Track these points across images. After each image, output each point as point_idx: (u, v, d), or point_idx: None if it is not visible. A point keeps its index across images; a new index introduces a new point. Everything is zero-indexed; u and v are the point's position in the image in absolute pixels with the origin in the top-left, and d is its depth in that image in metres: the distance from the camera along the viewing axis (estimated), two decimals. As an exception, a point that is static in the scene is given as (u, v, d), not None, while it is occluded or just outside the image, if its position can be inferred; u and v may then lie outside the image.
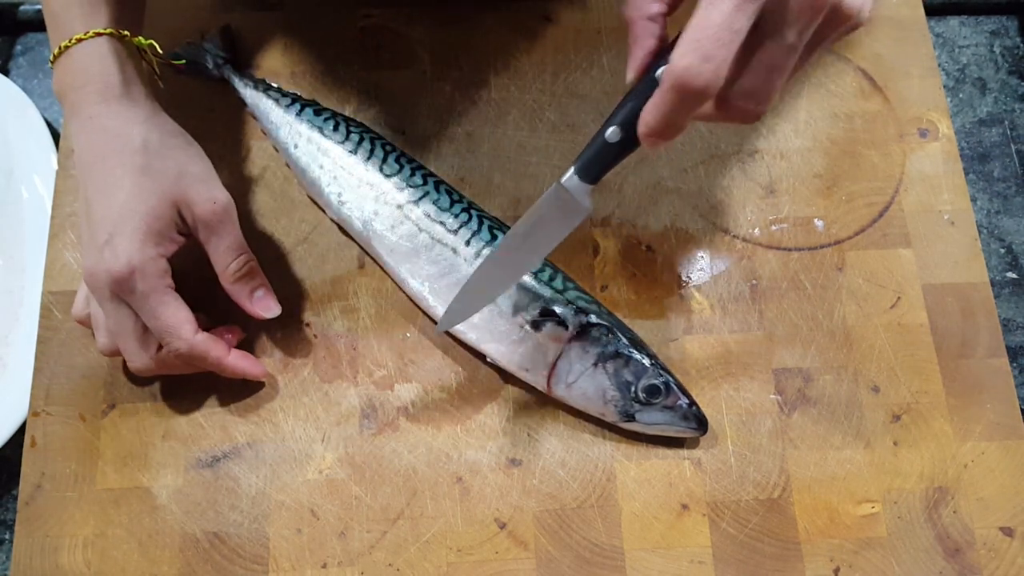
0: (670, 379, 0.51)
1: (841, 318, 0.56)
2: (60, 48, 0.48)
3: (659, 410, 0.51)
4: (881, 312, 0.56)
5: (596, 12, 0.64)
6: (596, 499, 0.52)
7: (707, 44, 0.34)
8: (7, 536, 0.55)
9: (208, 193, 0.50)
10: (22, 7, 0.67)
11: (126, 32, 0.50)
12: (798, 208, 0.59)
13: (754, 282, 0.57)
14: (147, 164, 0.48)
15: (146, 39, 0.52)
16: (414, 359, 0.55)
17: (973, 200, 0.62)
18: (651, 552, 0.51)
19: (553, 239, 0.46)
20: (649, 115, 0.38)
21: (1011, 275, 0.61)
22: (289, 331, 0.55)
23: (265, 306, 0.52)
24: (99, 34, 0.48)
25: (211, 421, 0.53)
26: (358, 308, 0.56)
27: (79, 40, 0.48)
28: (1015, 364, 0.59)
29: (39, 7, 0.67)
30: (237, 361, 0.51)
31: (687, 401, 0.51)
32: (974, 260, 0.57)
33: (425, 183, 0.55)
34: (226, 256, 0.51)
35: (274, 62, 0.62)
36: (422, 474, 0.52)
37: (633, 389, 0.50)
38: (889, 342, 0.55)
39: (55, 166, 0.60)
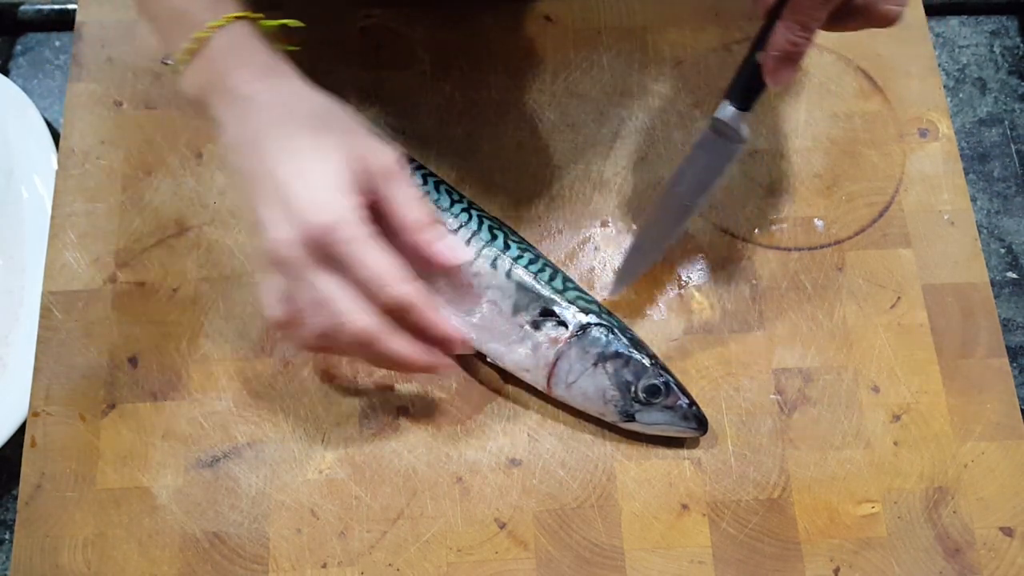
0: (670, 379, 0.51)
1: (841, 318, 0.56)
2: (195, 40, 0.47)
3: (659, 410, 0.51)
4: (881, 312, 0.56)
5: (596, 12, 0.64)
6: (596, 499, 0.52)
7: None
8: (7, 536, 0.55)
9: (380, 146, 0.48)
10: (22, 7, 0.68)
11: (259, 15, 0.49)
12: (798, 208, 0.59)
13: (754, 282, 0.57)
14: (321, 125, 0.46)
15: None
16: (414, 359, 0.55)
17: (973, 200, 0.62)
18: (651, 552, 0.51)
19: (714, 175, 0.49)
20: (779, 28, 0.43)
21: (1011, 275, 0.61)
22: (289, 331, 0.55)
23: (452, 251, 0.47)
24: (237, 18, 0.47)
25: (211, 421, 0.53)
26: (358, 308, 0.56)
27: (216, 27, 0.47)
28: (1015, 364, 0.59)
29: (39, 7, 0.67)
30: (445, 325, 0.46)
31: (687, 401, 0.51)
32: (974, 260, 0.57)
33: (425, 183, 0.55)
34: (409, 204, 0.47)
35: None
36: (422, 474, 0.52)
37: (633, 389, 0.50)
38: (889, 342, 0.55)
39: (55, 166, 0.60)
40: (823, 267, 0.57)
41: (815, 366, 0.55)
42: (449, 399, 0.54)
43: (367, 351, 0.44)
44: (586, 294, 0.53)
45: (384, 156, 0.47)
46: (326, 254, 0.43)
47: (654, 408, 0.51)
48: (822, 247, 0.58)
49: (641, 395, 0.50)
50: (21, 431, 0.54)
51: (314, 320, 0.44)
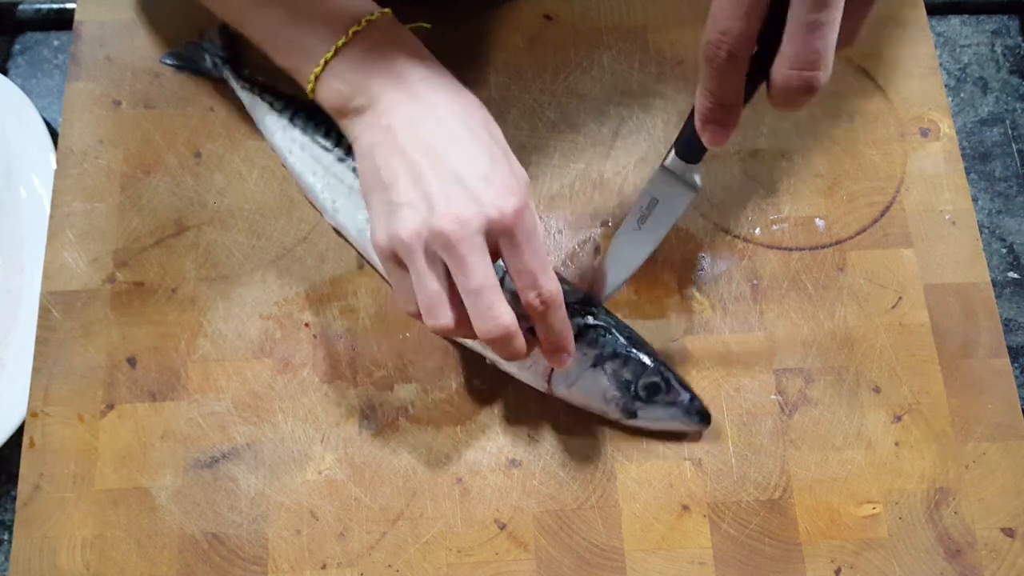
0: (670, 375, 0.51)
1: (842, 318, 0.56)
2: (349, 35, 0.46)
3: (661, 407, 0.51)
4: (882, 312, 0.56)
5: (596, 12, 0.64)
6: (596, 500, 0.52)
7: (721, 18, 0.36)
8: (6, 537, 0.55)
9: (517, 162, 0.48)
10: (21, 7, 0.67)
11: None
12: (799, 208, 0.58)
13: (755, 282, 0.57)
14: (489, 131, 0.46)
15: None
16: (414, 359, 0.55)
17: (974, 200, 0.62)
18: (651, 553, 0.51)
19: (670, 219, 0.48)
20: (697, 100, 0.40)
21: (1012, 275, 0.61)
22: (288, 331, 0.55)
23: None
24: (384, 13, 0.47)
25: (210, 421, 0.53)
26: (358, 308, 0.56)
27: (369, 22, 0.47)
28: (1016, 364, 0.59)
29: (38, 6, 0.67)
30: (570, 338, 0.46)
31: (688, 396, 0.51)
32: (975, 260, 0.57)
33: None
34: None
35: (274, 62, 0.62)
36: (422, 474, 0.52)
37: (633, 388, 0.50)
38: (890, 342, 0.55)
39: (54, 166, 0.59)
40: (824, 267, 0.57)
41: (816, 366, 0.55)
42: (449, 399, 0.54)
43: (490, 339, 0.43)
44: (579, 292, 0.53)
45: (523, 172, 0.46)
46: (502, 238, 0.43)
47: (656, 405, 0.50)
48: (823, 247, 0.57)
49: (642, 393, 0.50)
50: (20, 432, 0.53)
51: (448, 313, 0.43)
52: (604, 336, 0.51)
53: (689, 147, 0.46)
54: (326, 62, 0.47)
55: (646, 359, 0.51)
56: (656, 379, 0.50)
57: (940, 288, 0.56)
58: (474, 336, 0.44)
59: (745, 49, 0.37)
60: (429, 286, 0.43)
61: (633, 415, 0.51)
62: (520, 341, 0.44)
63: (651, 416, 0.51)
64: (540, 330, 0.45)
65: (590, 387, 0.50)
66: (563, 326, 0.45)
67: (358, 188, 0.54)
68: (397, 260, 0.44)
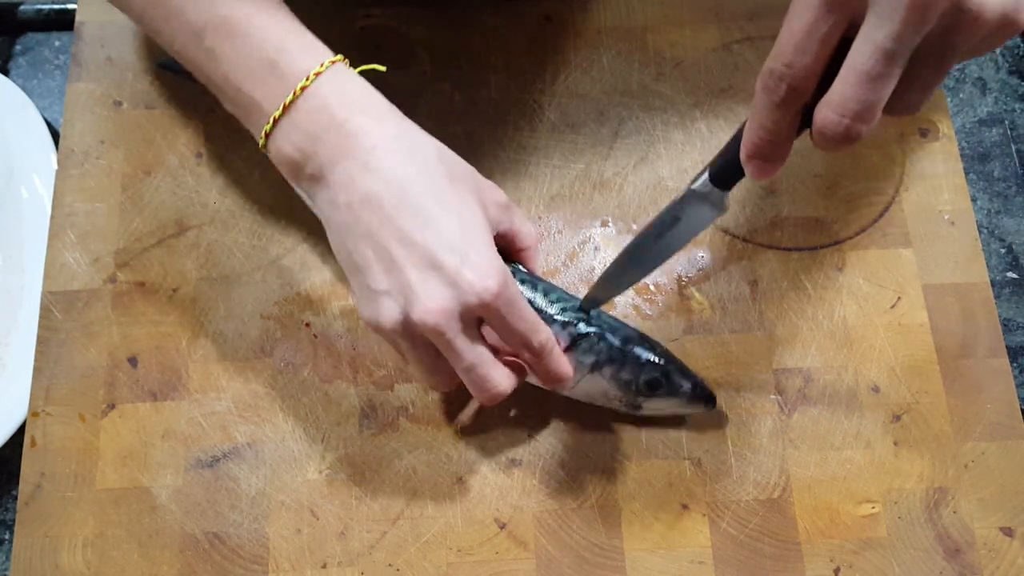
0: (671, 367, 0.51)
1: (841, 318, 0.56)
2: (296, 93, 0.43)
3: (663, 398, 0.51)
4: (881, 312, 0.56)
5: (596, 12, 0.64)
6: (596, 499, 0.52)
7: (788, 50, 0.34)
8: (7, 536, 0.55)
9: (488, 181, 0.48)
10: (22, 7, 0.67)
11: (347, 60, 0.46)
12: (798, 208, 0.59)
13: (754, 282, 0.57)
14: (451, 172, 0.44)
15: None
16: (414, 359, 0.55)
17: (973, 200, 0.62)
18: (651, 552, 0.51)
19: (687, 236, 0.46)
20: (747, 131, 0.38)
21: (1011, 275, 0.61)
22: (289, 331, 0.55)
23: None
24: (334, 63, 0.44)
25: (211, 421, 0.53)
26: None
27: (317, 74, 0.43)
28: (1015, 364, 0.59)
29: (39, 7, 0.67)
30: (567, 367, 0.48)
31: (689, 385, 0.51)
32: (974, 260, 0.57)
33: None
34: (527, 223, 0.50)
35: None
36: (422, 474, 0.52)
37: (634, 386, 0.50)
38: (889, 342, 0.55)
39: (55, 166, 0.60)
40: (823, 267, 0.57)
41: (815, 366, 0.55)
42: (449, 399, 0.54)
43: (487, 394, 0.45)
44: (572, 299, 0.51)
45: (498, 192, 0.48)
46: (485, 316, 0.43)
47: (658, 397, 0.51)
48: (822, 247, 0.58)
49: (643, 389, 0.50)
50: (21, 431, 0.54)
51: (440, 378, 0.46)
52: (598, 344, 0.50)
53: (725, 174, 0.43)
54: (275, 120, 0.43)
55: (643, 356, 0.50)
56: (655, 375, 0.50)
57: (939, 288, 0.57)
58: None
59: (808, 85, 0.35)
60: (421, 363, 0.45)
61: (638, 408, 0.51)
62: (516, 382, 0.46)
63: (656, 407, 0.51)
64: (537, 372, 0.47)
65: (592, 389, 0.50)
66: (558, 365, 0.47)
67: None
68: (385, 336, 0.44)
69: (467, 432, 0.53)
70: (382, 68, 0.47)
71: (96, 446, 0.53)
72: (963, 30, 0.32)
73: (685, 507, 0.52)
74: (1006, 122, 0.65)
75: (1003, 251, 0.62)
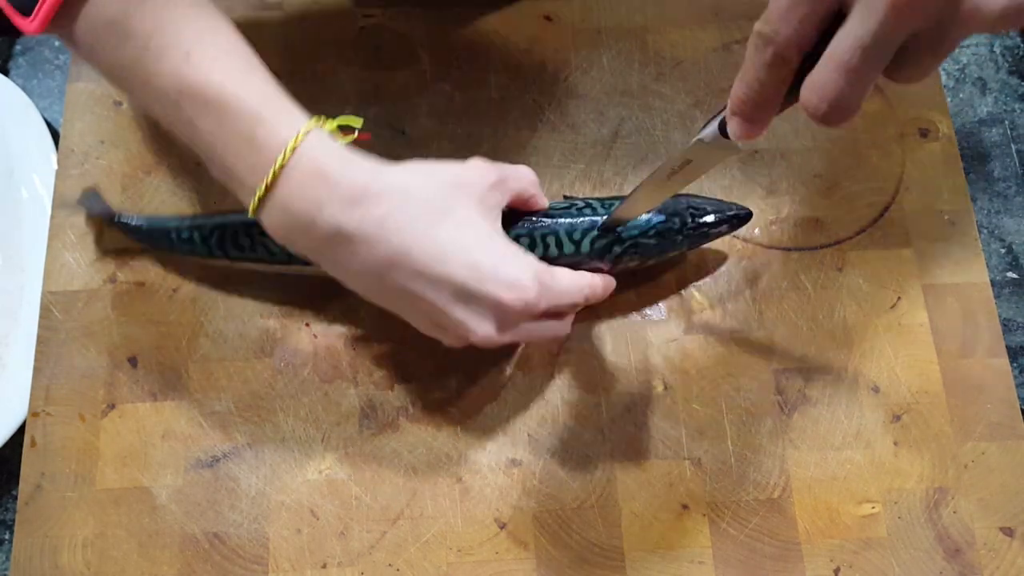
0: (699, 220, 0.52)
1: (841, 318, 0.56)
2: (275, 172, 0.41)
3: (711, 228, 0.53)
4: (881, 312, 0.56)
5: (596, 12, 0.64)
6: (596, 499, 0.52)
7: (775, 16, 0.33)
8: (7, 536, 0.55)
9: (484, 166, 0.47)
10: (22, 7, 0.67)
11: (321, 116, 0.44)
12: (798, 208, 0.59)
13: (754, 282, 0.57)
14: (446, 194, 0.44)
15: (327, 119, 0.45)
16: (414, 359, 0.55)
17: (973, 200, 0.62)
18: (651, 552, 0.51)
19: (700, 172, 0.45)
20: (734, 87, 0.37)
21: (1011, 275, 0.61)
22: (289, 331, 0.55)
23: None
24: (308, 132, 0.42)
25: (211, 421, 0.53)
26: (358, 308, 0.56)
27: (294, 149, 0.42)
28: (1015, 364, 0.59)
29: (39, 7, 0.67)
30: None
31: (727, 225, 0.53)
32: (974, 260, 0.57)
33: None
34: (520, 175, 0.49)
35: (273, 62, 0.62)
36: (422, 474, 0.52)
37: (681, 239, 0.53)
38: (889, 342, 0.55)
39: (55, 166, 0.59)
40: (823, 267, 0.57)
41: (815, 366, 0.55)
42: (449, 399, 0.54)
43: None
44: (593, 216, 0.51)
45: (491, 175, 0.47)
46: (537, 309, 0.45)
47: (707, 239, 0.54)
48: (822, 247, 0.58)
49: (691, 244, 0.54)
50: (21, 431, 0.54)
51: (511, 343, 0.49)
52: (634, 252, 0.52)
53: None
54: (260, 198, 0.42)
55: (675, 238, 0.52)
56: (695, 236, 0.53)
57: (939, 288, 0.57)
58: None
59: (793, 54, 0.34)
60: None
61: (698, 240, 0.54)
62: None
63: (712, 235, 0.54)
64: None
65: (655, 257, 0.53)
66: (604, 292, 0.49)
67: None
68: None
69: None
70: (358, 122, 0.46)
71: (96, 446, 0.53)
72: (961, 24, 0.31)
73: (685, 507, 0.52)
74: (1006, 122, 0.65)
75: (1003, 251, 0.62)
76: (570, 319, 0.49)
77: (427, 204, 0.43)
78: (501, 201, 0.47)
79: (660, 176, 0.46)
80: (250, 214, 0.43)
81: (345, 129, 0.45)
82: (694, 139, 0.42)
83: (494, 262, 0.44)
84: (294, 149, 0.41)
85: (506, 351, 0.55)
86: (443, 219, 0.43)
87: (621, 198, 0.51)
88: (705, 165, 0.44)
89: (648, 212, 0.51)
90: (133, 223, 0.55)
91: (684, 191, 0.48)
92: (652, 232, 0.52)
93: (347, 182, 0.42)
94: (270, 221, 0.44)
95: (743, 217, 0.54)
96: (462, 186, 0.45)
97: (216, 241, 0.53)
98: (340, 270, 0.45)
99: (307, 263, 0.50)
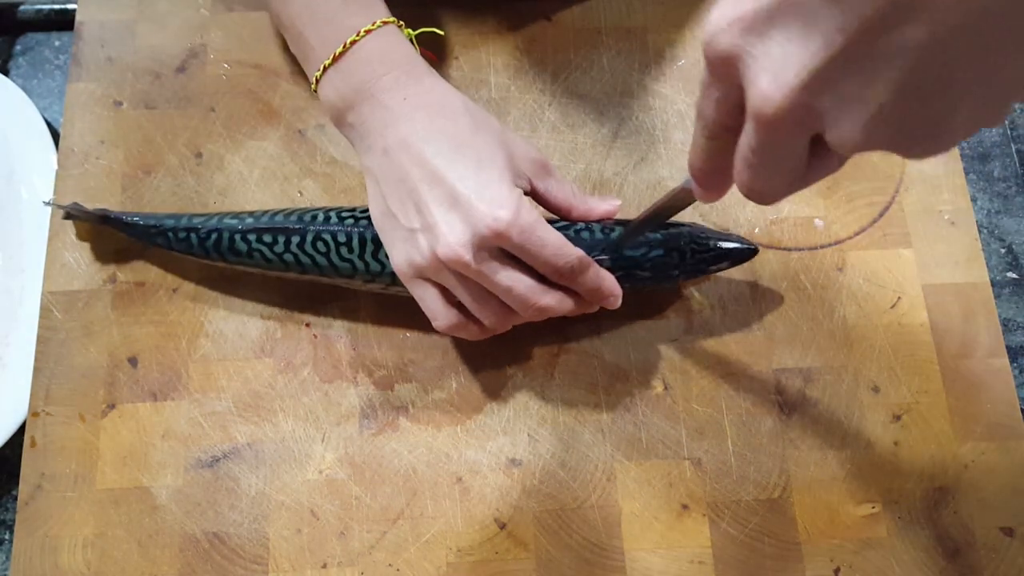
0: (702, 252, 0.52)
1: (841, 318, 0.56)
2: (346, 45, 0.48)
3: (709, 272, 0.53)
4: (881, 312, 0.56)
5: (596, 12, 0.64)
6: (596, 499, 0.52)
7: (701, 97, 0.34)
8: (7, 536, 0.55)
9: (524, 142, 0.50)
10: (22, 7, 0.67)
11: (401, 23, 0.51)
12: (798, 208, 0.59)
13: (754, 282, 0.57)
14: (476, 123, 0.47)
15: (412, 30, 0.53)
16: (414, 359, 0.55)
17: (973, 200, 0.62)
18: (651, 552, 0.51)
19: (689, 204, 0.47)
20: (689, 149, 0.37)
21: (1011, 275, 0.61)
22: (289, 331, 0.55)
23: (613, 205, 0.52)
24: (386, 23, 0.49)
25: (211, 421, 0.53)
26: (358, 308, 0.56)
27: (368, 32, 0.49)
28: (1015, 364, 0.59)
29: (39, 7, 0.67)
30: (611, 280, 0.48)
31: (728, 261, 0.53)
32: (974, 260, 0.57)
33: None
34: (563, 186, 0.50)
35: (274, 62, 0.62)
36: (422, 474, 0.52)
37: (677, 274, 0.52)
38: (889, 342, 0.55)
39: (55, 166, 0.59)
40: (823, 267, 0.57)
41: (815, 366, 0.55)
42: (449, 399, 0.54)
43: (542, 316, 0.47)
44: (601, 231, 0.51)
45: (533, 150, 0.49)
46: (504, 246, 0.45)
47: (705, 274, 0.54)
48: (822, 247, 0.58)
49: (688, 278, 0.53)
50: (21, 431, 0.54)
51: (493, 312, 0.47)
52: (628, 272, 0.50)
53: None
54: (325, 68, 0.49)
55: (672, 263, 0.51)
56: (693, 267, 0.52)
57: (939, 288, 0.57)
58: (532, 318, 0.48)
59: (721, 131, 0.34)
60: (466, 295, 0.46)
61: (699, 274, 0.54)
62: (571, 304, 0.48)
63: (713, 270, 0.53)
64: (583, 294, 0.48)
65: (648, 287, 0.53)
66: (597, 280, 0.47)
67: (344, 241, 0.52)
68: (422, 279, 0.47)
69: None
70: (440, 31, 0.54)
71: (96, 446, 0.53)
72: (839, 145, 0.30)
73: (685, 507, 0.52)
74: (1006, 122, 0.65)
75: (1003, 251, 0.62)
76: (555, 292, 0.47)
77: (469, 122, 0.47)
78: (534, 175, 0.49)
79: (657, 206, 0.47)
80: (312, 86, 0.50)
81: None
82: (685, 180, 0.42)
83: (487, 180, 0.45)
84: (368, 31, 0.48)
85: (507, 353, 0.55)
86: (471, 140, 0.46)
87: (622, 223, 0.51)
88: (689, 203, 0.45)
89: (647, 240, 0.51)
90: (127, 220, 0.55)
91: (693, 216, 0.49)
92: (648, 265, 0.51)
93: (410, 66, 0.49)
94: (327, 91, 0.49)
95: (747, 253, 0.53)
96: (506, 143, 0.48)
97: (213, 245, 0.53)
98: (363, 149, 0.49)
99: (302, 271, 0.51)
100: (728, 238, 0.53)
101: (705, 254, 0.52)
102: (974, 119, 0.28)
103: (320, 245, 0.51)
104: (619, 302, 0.49)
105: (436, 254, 0.45)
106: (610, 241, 0.50)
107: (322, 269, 0.51)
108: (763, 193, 0.34)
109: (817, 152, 0.32)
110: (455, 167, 0.45)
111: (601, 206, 0.51)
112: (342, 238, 0.50)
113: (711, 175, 0.37)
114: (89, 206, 0.56)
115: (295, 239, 0.51)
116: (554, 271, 0.46)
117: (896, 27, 0.26)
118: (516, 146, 0.49)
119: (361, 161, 0.50)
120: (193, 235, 0.53)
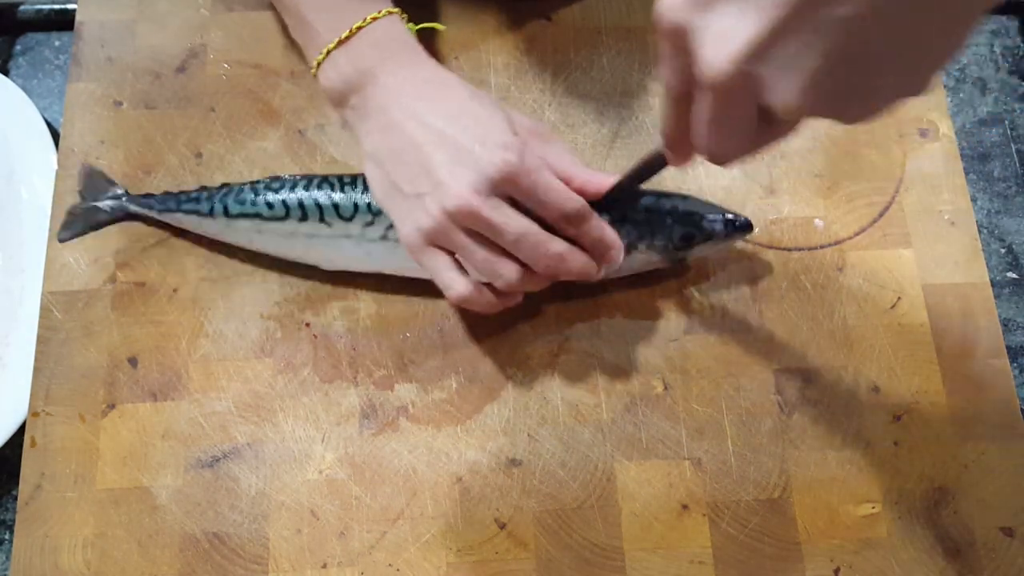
0: (697, 215, 0.53)
1: (841, 318, 0.56)
2: (352, 30, 0.50)
3: (702, 245, 0.53)
4: (881, 312, 0.56)
5: (596, 12, 0.64)
6: (596, 499, 0.52)
7: (664, 102, 0.38)
8: (7, 536, 0.55)
9: (522, 114, 0.52)
10: (22, 7, 0.67)
11: (405, 15, 0.53)
12: (798, 208, 0.59)
13: (754, 282, 0.57)
14: (475, 93, 0.50)
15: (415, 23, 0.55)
16: (414, 359, 0.55)
17: (973, 200, 0.62)
18: (651, 552, 0.51)
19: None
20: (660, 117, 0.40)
21: (1011, 275, 0.61)
22: (289, 331, 0.55)
23: (611, 180, 0.51)
24: (391, 13, 0.52)
25: (211, 421, 0.53)
26: (358, 308, 0.56)
27: (374, 19, 0.51)
28: (1015, 364, 0.59)
29: (39, 7, 0.67)
30: (612, 233, 0.49)
31: (721, 225, 0.53)
32: (974, 260, 0.57)
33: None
34: (563, 155, 0.51)
35: (274, 62, 0.62)
36: (422, 474, 0.52)
37: (670, 247, 0.53)
38: (889, 342, 0.55)
39: (55, 166, 0.59)
40: (823, 267, 0.57)
41: (815, 366, 0.55)
42: (449, 399, 0.54)
43: (553, 271, 0.48)
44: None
45: (529, 121, 0.51)
46: (512, 191, 0.46)
47: (697, 245, 0.53)
48: (822, 247, 0.58)
49: (680, 245, 0.53)
50: (21, 431, 0.54)
51: (505, 270, 0.47)
52: (623, 226, 0.51)
53: None
54: (328, 51, 0.51)
55: (668, 220, 0.52)
56: (687, 229, 0.52)
57: (939, 288, 0.57)
58: (543, 282, 0.48)
59: (684, 100, 0.36)
60: (478, 254, 0.47)
61: (684, 259, 0.54)
62: (582, 257, 0.48)
63: (700, 253, 0.54)
64: (583, 242, 0.48)
65: (635, 264, 0.53)
66: (600, 231, 0.48)
67: (335, 230, 0.53)
68: (434, 247, 0.48)
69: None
70: (441, 26, 0.56)
71: (96, 446, 0.53)
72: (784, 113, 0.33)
73: (685, 507, 0.52)
74: (1006, 122, 0.65)
75: (1003, 251, 0.62)
76: (561, 242, 0.47)
77: (469, 93, 0.50)
78: (536, 144, 0.49)
79: (633, 170, 0.49)
80: (313, 69, 0.52)
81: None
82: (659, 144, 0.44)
83: (489, 129, 0.47)
84: (375, 18, 0.51)
85: (507, 353, 0.55)
86: (471, 105, 0.49)
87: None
88: (662, 167, 0.47)
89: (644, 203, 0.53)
90: (138, 203, 0.57)
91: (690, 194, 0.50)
92: (642, 219, 0.52)
93: (413, 52, 0.51)
94: (330, 73, 0.51)
95: (741, 224, 0.54)
96: (504, 110, 0.50)
97: (219, 197, 0.55)
98: (363, 131, 0.51)
99: (304, 217, 0.53)
100: (724, 210, 0.54)
101: (695, 217, 0.53)
102: (897, 86, 0.32)
103: (324, 186, 0.54)
104: (621, 256, 0.49)
105: (445, 209, 0.45)
106: (594, 204, 0.50)
107: (324, 210, 0.53)
108: (718, 155, 0.37)
109: (767, 118, 0.34)
110: (458, 124, 0.47)
111: (601, 177, 0.51)
112: (346, 179, 0.54)
113: (678, 140, 0.39)
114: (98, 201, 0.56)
115: (301, 182, 0.54)
116: (562, 216, 0.47)
117: (826, 3, 0.29)
118: (514, 114, 0.50)
119: (362, 146, 0.51)
120: (204, 193, 0.55)
